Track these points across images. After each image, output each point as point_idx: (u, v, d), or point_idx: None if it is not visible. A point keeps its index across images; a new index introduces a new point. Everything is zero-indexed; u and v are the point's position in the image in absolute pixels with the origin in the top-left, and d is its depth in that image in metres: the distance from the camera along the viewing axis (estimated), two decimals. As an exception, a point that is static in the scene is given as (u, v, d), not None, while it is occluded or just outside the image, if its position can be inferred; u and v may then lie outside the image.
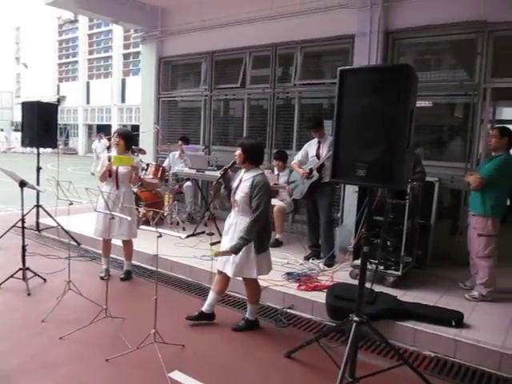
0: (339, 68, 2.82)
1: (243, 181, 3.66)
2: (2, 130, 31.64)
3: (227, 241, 3.69)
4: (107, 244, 5.06)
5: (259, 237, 3.61)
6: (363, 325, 3.01)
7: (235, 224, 3.68)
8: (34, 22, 33.75)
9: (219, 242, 5.88)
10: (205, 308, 3.95)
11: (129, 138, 4.93)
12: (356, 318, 2.97)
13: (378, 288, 4.20)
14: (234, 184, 3.75)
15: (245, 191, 3.59)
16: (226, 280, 3.86)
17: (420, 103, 5.55)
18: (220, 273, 3.85)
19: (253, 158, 3.65)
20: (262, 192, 3.52)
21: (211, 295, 3.95)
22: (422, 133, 5.89)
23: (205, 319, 3.95)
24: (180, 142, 7.54)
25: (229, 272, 3.70)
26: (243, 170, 3.75)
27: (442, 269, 5.14)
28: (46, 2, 7.34)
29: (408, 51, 6.37)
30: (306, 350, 3.35)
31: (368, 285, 3.25)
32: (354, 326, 2.95)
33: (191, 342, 3.58)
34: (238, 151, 3.66)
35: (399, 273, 4.51)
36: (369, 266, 3.43)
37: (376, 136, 2.66)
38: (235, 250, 3.52)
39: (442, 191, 5.51)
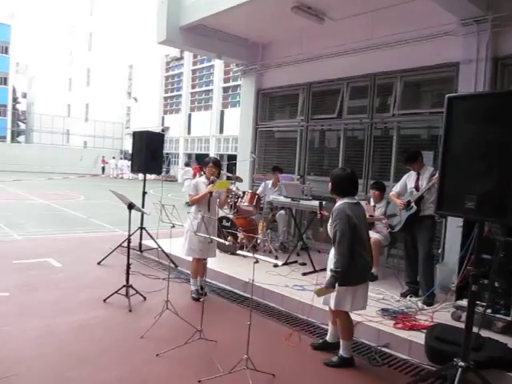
0: (447, 95, 2.70)
1: None
2: (113, 157, 34.71)
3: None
4: (202, 264, 5.19)
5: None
6: (469, 372, 2.75)
7: (331, 257, 3.64)
8: (144, 60, 37.04)
9: (311, 273, 5.88)
10: (328, 337, 3.99)
11: (221, 167, 5.31)
12: (462, 364, 2.73)
13: (484, 333, 3.82)
14: None
15: (330, 222, 3.58)
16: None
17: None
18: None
19: (338, 189, 3.63)
20: (338, 220, 3.45)
21: (330, 326, 3.99)
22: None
23: (329, 348, 3.93)
24: (276, 172, 7.65)
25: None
26: None
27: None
28: (158, 40, 8.01)
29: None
30: (404, 394, 3.14)
31: (474, 329, 2.98)
32: (459, 372, 2.71)
33: (282, 372, 3.51)
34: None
35: (510, 318, 4.08)
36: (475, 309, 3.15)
37: (488, 166, 2.50)
38: (329, 286, 3.45)
39: None
